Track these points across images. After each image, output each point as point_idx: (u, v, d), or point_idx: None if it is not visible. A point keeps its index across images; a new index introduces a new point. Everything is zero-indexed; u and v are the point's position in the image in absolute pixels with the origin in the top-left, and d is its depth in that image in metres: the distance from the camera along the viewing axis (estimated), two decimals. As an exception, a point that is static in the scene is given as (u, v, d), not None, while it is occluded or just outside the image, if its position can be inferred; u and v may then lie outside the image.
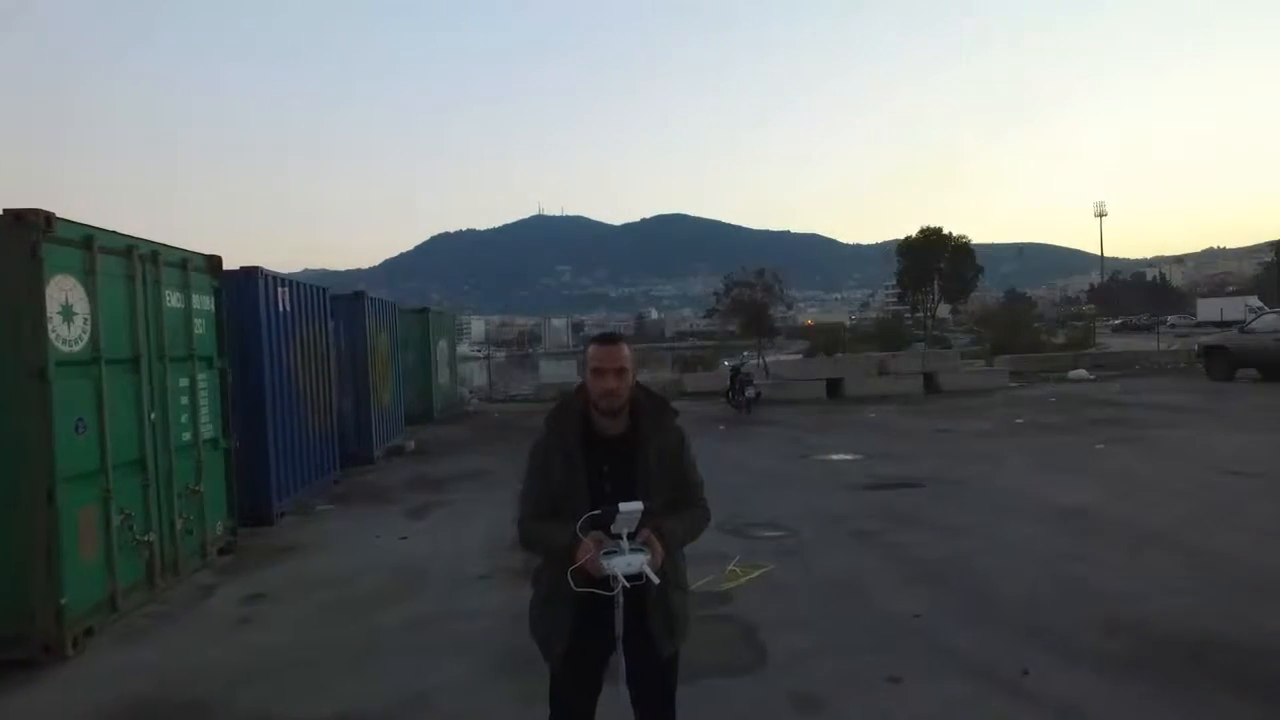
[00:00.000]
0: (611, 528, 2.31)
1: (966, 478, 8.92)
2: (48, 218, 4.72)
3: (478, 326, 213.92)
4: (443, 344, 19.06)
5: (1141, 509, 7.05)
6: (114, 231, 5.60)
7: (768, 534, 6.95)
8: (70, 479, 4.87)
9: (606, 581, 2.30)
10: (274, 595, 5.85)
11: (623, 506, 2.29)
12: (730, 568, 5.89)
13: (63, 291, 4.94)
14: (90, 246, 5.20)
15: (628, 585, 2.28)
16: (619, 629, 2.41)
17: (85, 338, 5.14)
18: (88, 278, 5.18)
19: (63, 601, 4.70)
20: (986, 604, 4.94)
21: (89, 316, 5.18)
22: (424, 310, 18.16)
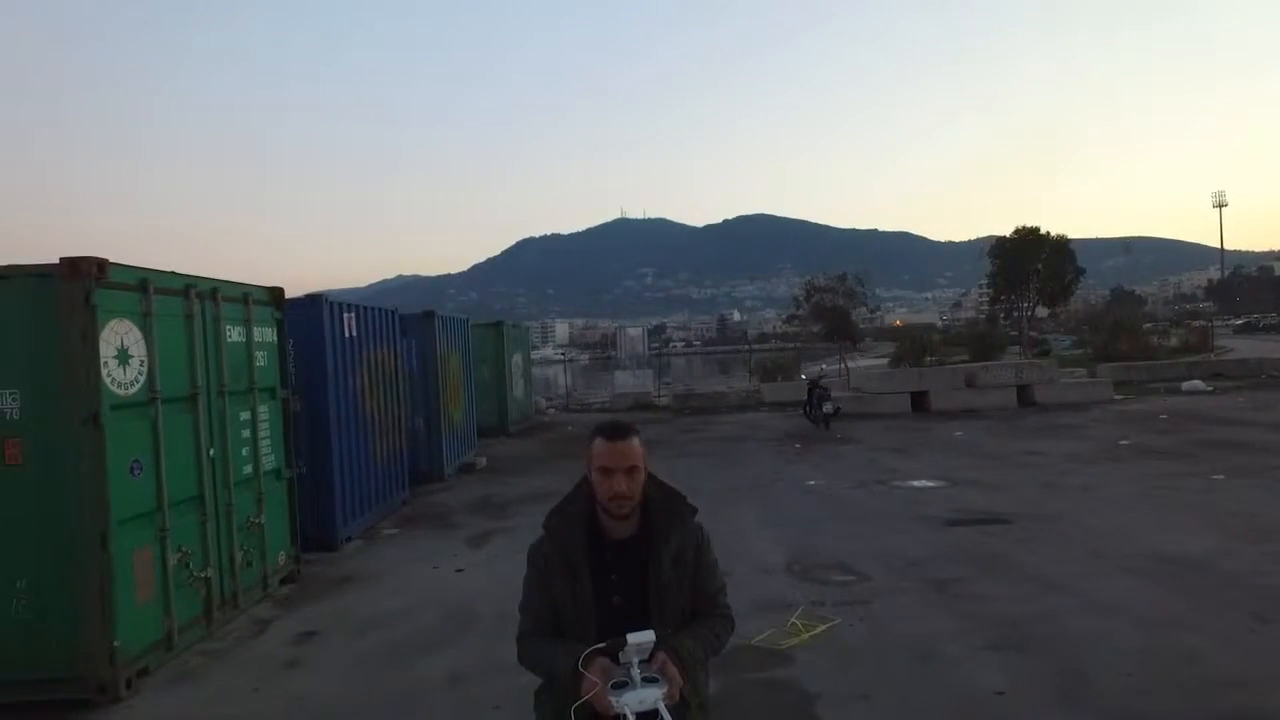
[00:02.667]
0: (620, 657, 2.02)
1: (1059, 513, 8.18)
2: (100, 264, 4.78)
3: (561, 329, 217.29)
4: (517, 357, 19.17)
5: (1269, 562, 6.23)
6: (171, 272, 5.67)
7: (836, 578, 6.50)
8: (126, 521, 4.92)
9: None
10: (324, 633, 5.80)
11: (631, 637, 1.99)
12: (792, 620, 5.50)
13: (118, 335, 5.01)
14: (146, 289, 5.26)
15: None
16: None
17: (142, 379, 5.21)
18: (144, 320, 5.25)
19: (115, 644, 4.74)
20: (1078, 682, 4.38)
21: (145, 358, 5.24)
22: (498, 324, 18.30)
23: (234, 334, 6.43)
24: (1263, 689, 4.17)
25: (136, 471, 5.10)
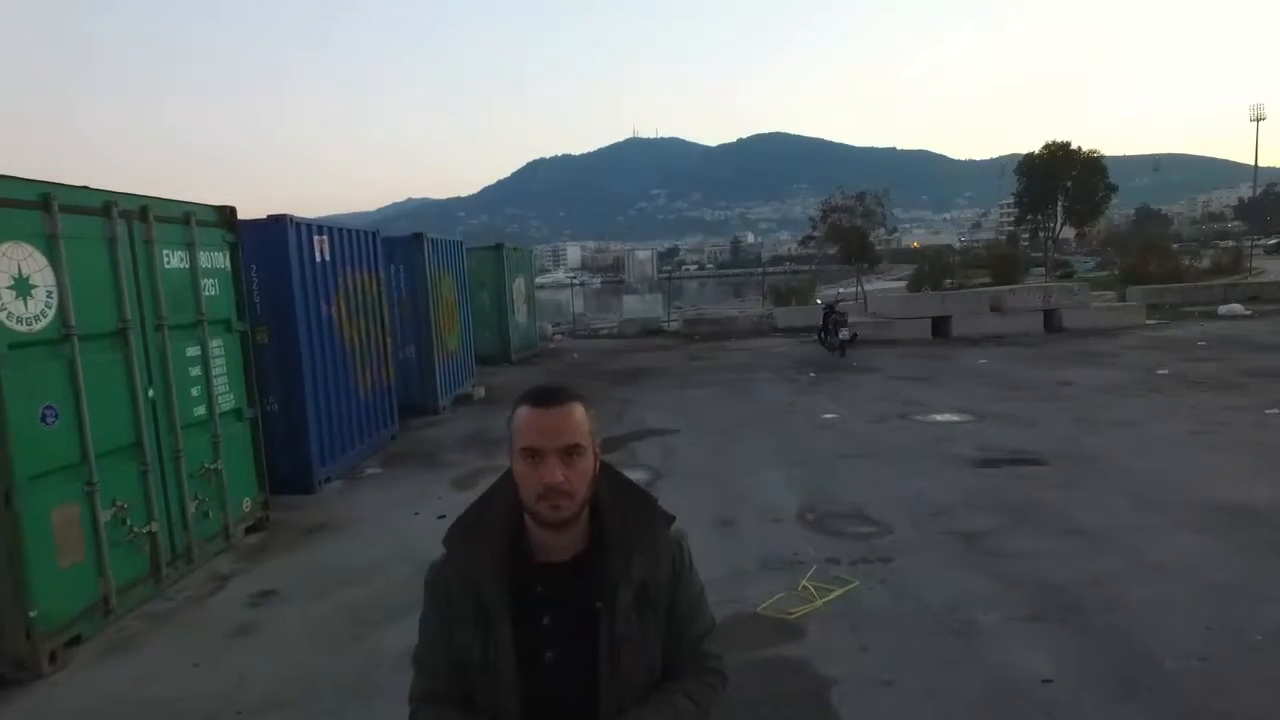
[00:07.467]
0: None
1: (1100, 452, 7.46)
2: (-22, 177, 4.00)
3: (574, 253, 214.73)
4: (519, 281, 18.33)
5: (1346, 514, 5.51)
6: (84, 188, 4.87)
7: (853, 529, 5.85)
8: (38, 476, 4.29)
9: None
10: (283, 593, 5.24)
11: None
12: (804, 583, 4.86)
13: (14, 262, 4.26)
14: (49, 207, 4.48)
15: None
16: None
17: (50, 313, 4.48)
18: (50, 243, 4.49)
19: (32, 614, 4.18)
20: (1142, 666, 3.72)
21: (53, 288, 4.51)
22: (498, 247, 17.39)
23: (173, 259, 5.67)
24: (1369, 682, 3.50)
25: (50, 420, 4.43)
